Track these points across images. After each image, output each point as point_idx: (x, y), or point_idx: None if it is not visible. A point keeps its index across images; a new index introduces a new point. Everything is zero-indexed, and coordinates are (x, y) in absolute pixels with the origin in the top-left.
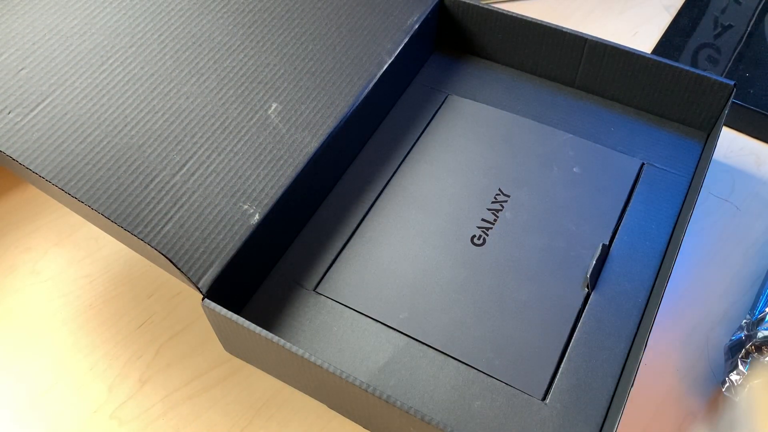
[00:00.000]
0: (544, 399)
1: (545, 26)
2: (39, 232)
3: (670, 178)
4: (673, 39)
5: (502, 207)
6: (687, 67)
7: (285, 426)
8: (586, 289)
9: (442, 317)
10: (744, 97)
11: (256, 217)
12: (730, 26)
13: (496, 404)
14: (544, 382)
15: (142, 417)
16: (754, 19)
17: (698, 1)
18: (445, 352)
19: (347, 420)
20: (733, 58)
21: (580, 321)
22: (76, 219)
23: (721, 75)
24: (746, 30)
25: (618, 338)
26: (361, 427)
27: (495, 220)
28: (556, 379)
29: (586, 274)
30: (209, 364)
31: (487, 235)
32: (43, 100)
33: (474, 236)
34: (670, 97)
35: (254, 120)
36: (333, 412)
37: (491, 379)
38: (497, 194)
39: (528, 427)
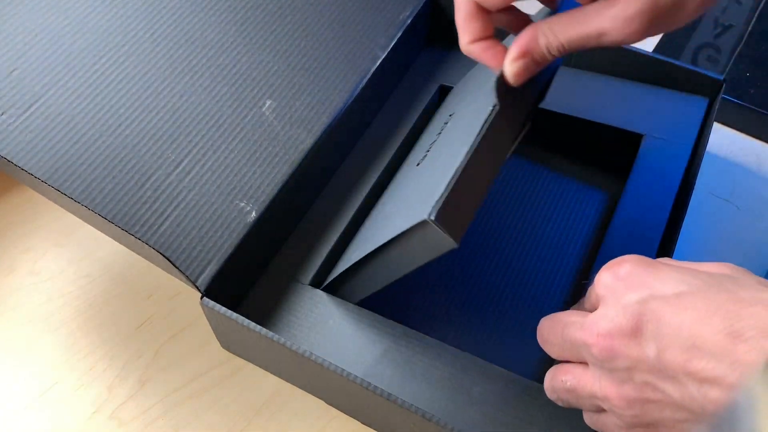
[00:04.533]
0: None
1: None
2: (39, 232)
3: (670, 148)
4: (673, 39)
5: None
6: (677, 62)
7: (285, 426)
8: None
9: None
10: (744, 97)
11: (253, 215)
12: (730, 26)
13: (496, 389)
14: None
15: (142, 417)
16: (754, 18)
17: None
18: (440, 338)
19: (347, 421)
20: (734, 58)
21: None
22: (75, 219)
23: (722, 75)
24: (746, 30)
25: None
26: (361, 428)
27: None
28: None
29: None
30: (209, 364)
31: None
32: (36, 101)
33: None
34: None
35: (249, 117)
36: (333, 413)
37: (488, 364)
38: None
39: (528, 410)
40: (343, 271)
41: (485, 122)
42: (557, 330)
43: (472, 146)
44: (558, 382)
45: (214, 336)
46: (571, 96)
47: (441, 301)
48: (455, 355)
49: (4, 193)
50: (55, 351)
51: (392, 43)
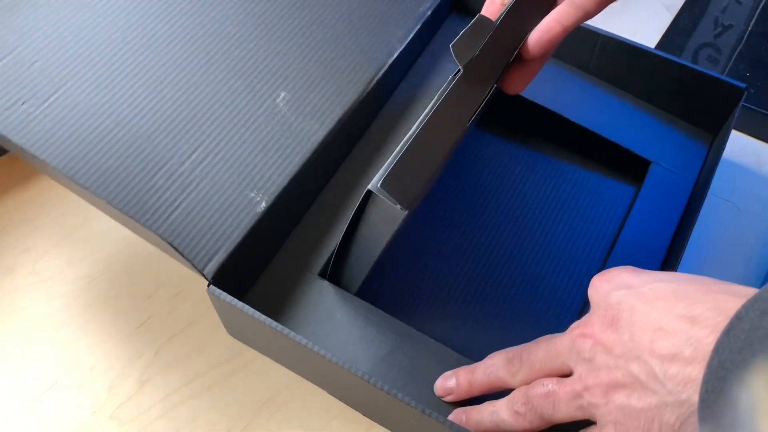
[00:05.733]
0: None
1: None
2: (39, 232)
3: (675, 179)
4: (673, 38)
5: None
6: (699, 68)
7: (285, 426)
8: None
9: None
10: (744, 96)
11: (263, 205)
12: (730, 26)
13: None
14: None
15: (142, 417)
16: (754, 18)
17: (699, 1)
18: (446, 343)
19: (347, 420)
20: (734, 57)
21: None
22: (75, 219)
23: (722, 75)
24: (746, 30)
25: None
26: (362, 427)
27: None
28: None
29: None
30: (209, 364)
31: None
32: (56, 92)
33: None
34: (679, 97)
35: (263, 109)
36: (335, 412)
37: None
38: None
39: None
40: (336, 258)
41: (442, 93)
42: (539, 347)
43: (421, 120)
44: (537, 388)
45: (214, 335)
46: (587, 108)
47: (449, 304)
48: (459, 361)
49: (4, 192)
50: (56, 351)
51: (410, 36)
